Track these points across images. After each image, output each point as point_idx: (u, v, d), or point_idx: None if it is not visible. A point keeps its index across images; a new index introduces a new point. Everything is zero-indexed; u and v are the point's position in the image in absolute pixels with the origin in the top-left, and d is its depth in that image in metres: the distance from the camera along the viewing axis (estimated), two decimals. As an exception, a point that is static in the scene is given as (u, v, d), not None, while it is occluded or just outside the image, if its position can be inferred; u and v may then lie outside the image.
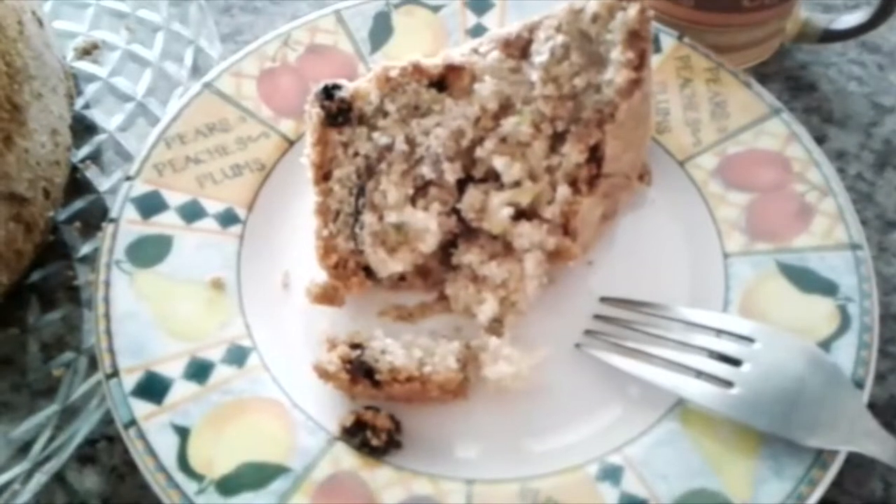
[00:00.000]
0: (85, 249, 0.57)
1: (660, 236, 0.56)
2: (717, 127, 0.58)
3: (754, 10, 0.61)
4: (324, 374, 0.48)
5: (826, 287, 0.52)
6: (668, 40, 0.61)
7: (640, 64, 0.49)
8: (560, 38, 0.51)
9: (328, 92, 0.52)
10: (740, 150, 0.57)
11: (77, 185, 0.59)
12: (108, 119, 0.63)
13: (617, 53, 0.49)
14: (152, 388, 0.48)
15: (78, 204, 0.59)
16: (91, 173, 0.60)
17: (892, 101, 0.66)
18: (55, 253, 0.57)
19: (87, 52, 0.66)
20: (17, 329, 0.54)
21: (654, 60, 0.54)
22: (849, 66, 0.68)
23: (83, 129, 0.62)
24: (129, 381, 0.48)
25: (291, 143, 0.59)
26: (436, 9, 0.64)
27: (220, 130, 0.58)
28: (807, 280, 0.52)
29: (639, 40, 0.49)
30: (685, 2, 0.61)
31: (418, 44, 0.62)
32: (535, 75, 0.52)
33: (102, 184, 0.60)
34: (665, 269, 0.55)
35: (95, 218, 0.58)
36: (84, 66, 0.65)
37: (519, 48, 0.53)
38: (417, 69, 0.52)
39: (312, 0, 0.72)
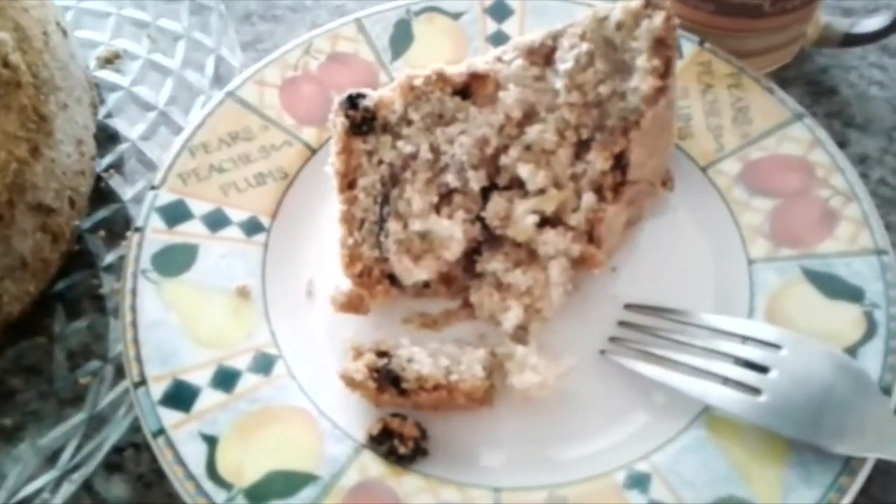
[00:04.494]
0: (109, 258, 0.57)
1: (683, 242, 0.56)
2: (740, 132, 0.58)
3: (775, 15, 0.61)
4: (351, 383, 0.48)
5: (852, 293, 0.51)
6: (689, 46, 0.61)
7: (665, 71, 0.49)
8: (584, 46, 0.51)
9: (352, 101, 0.52)
10: (763, 156, 0.57)
11: (100, 194, 0.60)
12: (131, 128, 0.63)
13: (642, 61, 0.49)
14: (180, 396, 0.49)
15: (102, 213, 0.59)
16: (114, 182, 0.61)
17: (913, 105, 0.66)
18: (80, 262, 0.57)
19: (109, 61, 0.66)
20: (44, 338, 0.54)
21: (676, 66, 0.54)
22: (870, 70, 0.68)
23: (106, 138, 0.62)
24: (157, 389, 0.49)
25: (314, 151, 0.59)
26: (456, 16, 0.64)
27: (243, 139, 0.58)
28: (832, 286, 0.52)
29: (664, 48, 0.49)
30: (706, 7, 0.61)
31: (439, 51, 0.62)
32: (559, 83, 0.52)
33: (126, 193, 0.60)
34: (689, 276, 0.55)
35: (119, 227, 0.59)
36: (106, 75, 0.65)
37: (543, 56, 0.53)
38: (441, 77, 0.53)
39: (332, 7, 0.72)
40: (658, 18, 0.49)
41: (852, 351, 0.49)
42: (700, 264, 0.55)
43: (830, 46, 0.66)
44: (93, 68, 0.65)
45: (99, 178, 0.60)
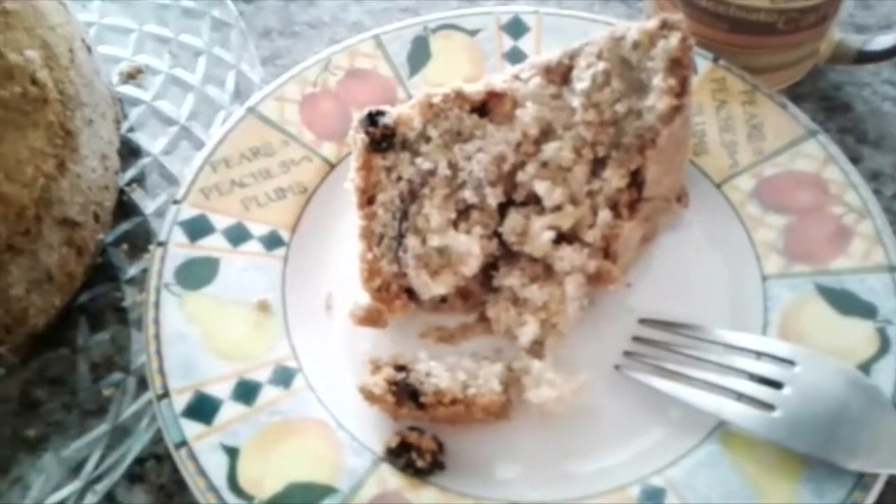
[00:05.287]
0: (132, 271, 0.58)
1: (698, 258, 0.56)
2: (754, 149, 0.59)
3: (789, 33, 0.61)
4: (369, 396, 0.49)
5: (865, 309, 0.52)
6: (703, 62, 0.61)
7: (681, 91, 0.50)
8: (601, 65, 0.52)
9: (372, 118, 0.53)
10: (777, 172, 0.58)
11: (123, 207, 0.61)
12: (153, 142, 0.64)
13: (658, 80, 0.50)
14: (202, 408, 0.49)
15: (124, 226, 0.60)
16: (136, 196, 0.62)
17: (927, 122, 0.66)
18: (103, 274, 0.58)
19: (132, 76, 0.67)
20: (68, 349, 0.55)
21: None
22: (883, 86, 0.68)
23: (128, 152, 0.63)
24: (180, 401, 0.49)
25: (333, 166, 0.60)
26: (472, 33, 0.65)
27: (263, 154, 0.59)
28: (846, 302, 0.52)
29: (680, 68, 0.50)
30: (720, 25, 0.62)
31: (456, 67, 0.63)
32: (576, 101, 0.53)
33: (148, 206, 0.61)
34: (703, 291, 0.55)
35: (141, 240, 0.60)
36: (128, 90, 0.66)
37: (560, 75, 0.54)
38: (460, 95, 0.53)
39: (350, 24, 0.73)
40: (674, 39, 0.50)
41: (865, 367, 0.50)
42: (714, 280, 0.55)
43: (844, 63, 0.66)
44: (115, 83, 0.66)
45: (121, 192, 0.61)
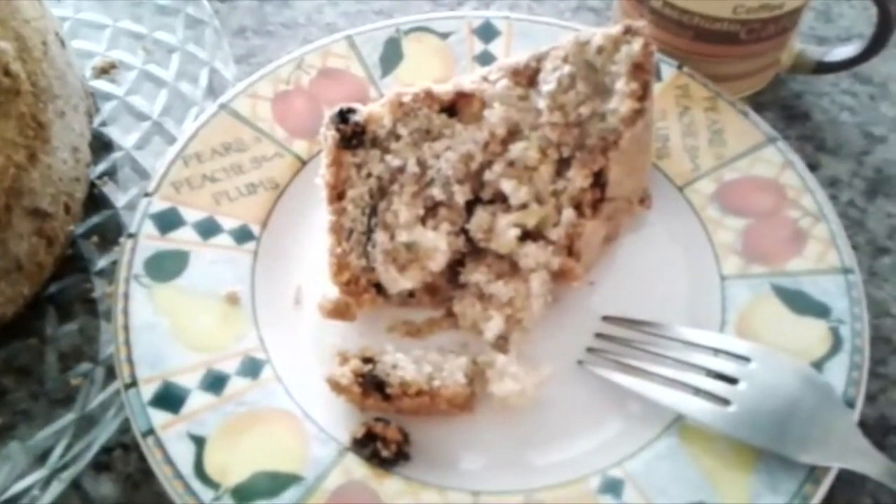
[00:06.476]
0: (101, 263, 0.58)
1: (659, 258, 0.58)
2: (715, 154, 0.60)
3: (751, 43, 0.63)
4: (336, 387, 0.50)
5: (819, 309, 0.54)
6: (668, 69, 0.63)
7: (643, 94, 0.51)
8: (567, 69, 0.53)
9: (343, 116, 0.54)
10: (737, 177, 0.59)
11: (94, 200, 0.61)
12: (125, 137, 0.64)
13: (621, 84, 0.51)
14: (170, 398, 0.50)
15: (95, 219, 0.60)
16: (108, 189, 0.62)
17: (882, 131, 0.68)
18: (73, 266, 0.58)
19: (105, 71, 0.68)
20: (36, 339, 0.55)
21: (655, 89, 0.56)
22: (841, 96, 0.70)
23: (100, 146, 0.63)
24: (147, 391, 0.50)
25: (304, 162, 0.60)
26: (444, 36, 0.66)
27: (235, 150, 0.60)
28: (800, 302, 0.54)
29: (642, 72, 0.51)
30: (685, 34, 0.63)
31: (427, 69, 0.64)
32: (542, 103, 0.54)
33: (119, 199, 0.61)
34: (664, 290, 0.56)
35: (112, 233, 0.60)
36: (101, 84, 0.67)
37: (527, 77, 0.55)
38: (429, 95, 0.54)
39: (323, 25, 0.74)
40: (637, 44, 0.51)
41: (818, 365, 0.51)
42: (675, 279, 0.57)
43: (804, 73, 0.68)
44: (89, 78, 0.67)
45: (93, 185, 0.61)
